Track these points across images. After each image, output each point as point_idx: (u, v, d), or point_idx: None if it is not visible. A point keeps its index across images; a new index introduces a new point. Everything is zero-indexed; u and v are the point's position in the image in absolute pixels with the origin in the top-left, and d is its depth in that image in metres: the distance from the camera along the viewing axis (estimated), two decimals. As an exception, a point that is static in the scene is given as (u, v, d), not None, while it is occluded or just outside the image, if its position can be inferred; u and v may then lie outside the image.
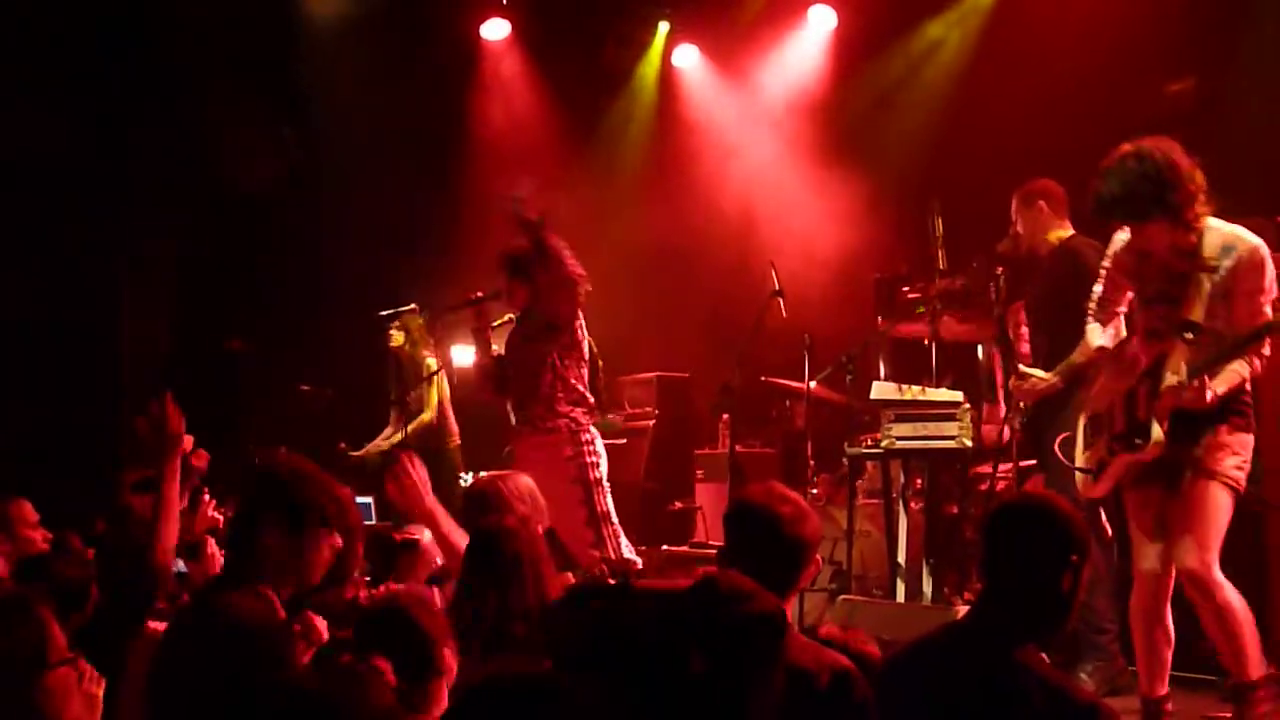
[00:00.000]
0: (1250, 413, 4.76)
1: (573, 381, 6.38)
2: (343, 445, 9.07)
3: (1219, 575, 4.60)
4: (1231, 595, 4.60)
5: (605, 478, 6.33)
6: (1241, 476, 4.70)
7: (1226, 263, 4.66)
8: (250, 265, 10.35)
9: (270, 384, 9.28)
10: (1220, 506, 4.65)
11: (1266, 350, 4.68)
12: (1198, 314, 4.65)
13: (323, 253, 10.38)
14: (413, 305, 9.02)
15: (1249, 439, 4.74)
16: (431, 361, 8.91)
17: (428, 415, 8.92)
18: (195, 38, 9.71)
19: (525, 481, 4.66)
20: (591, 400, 6.44)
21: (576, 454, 6.27)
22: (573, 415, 6.33)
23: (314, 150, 10.48)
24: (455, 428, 9.03)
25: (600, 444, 6.39)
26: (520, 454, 6.47)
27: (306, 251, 10.38)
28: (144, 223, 10.21)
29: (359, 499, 8.09)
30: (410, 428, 8.91)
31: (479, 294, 6.49)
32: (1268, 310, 4.63)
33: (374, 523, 8.01)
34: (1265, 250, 4.70)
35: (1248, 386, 4.75)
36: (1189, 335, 4.64)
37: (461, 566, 3.79)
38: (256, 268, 10.37)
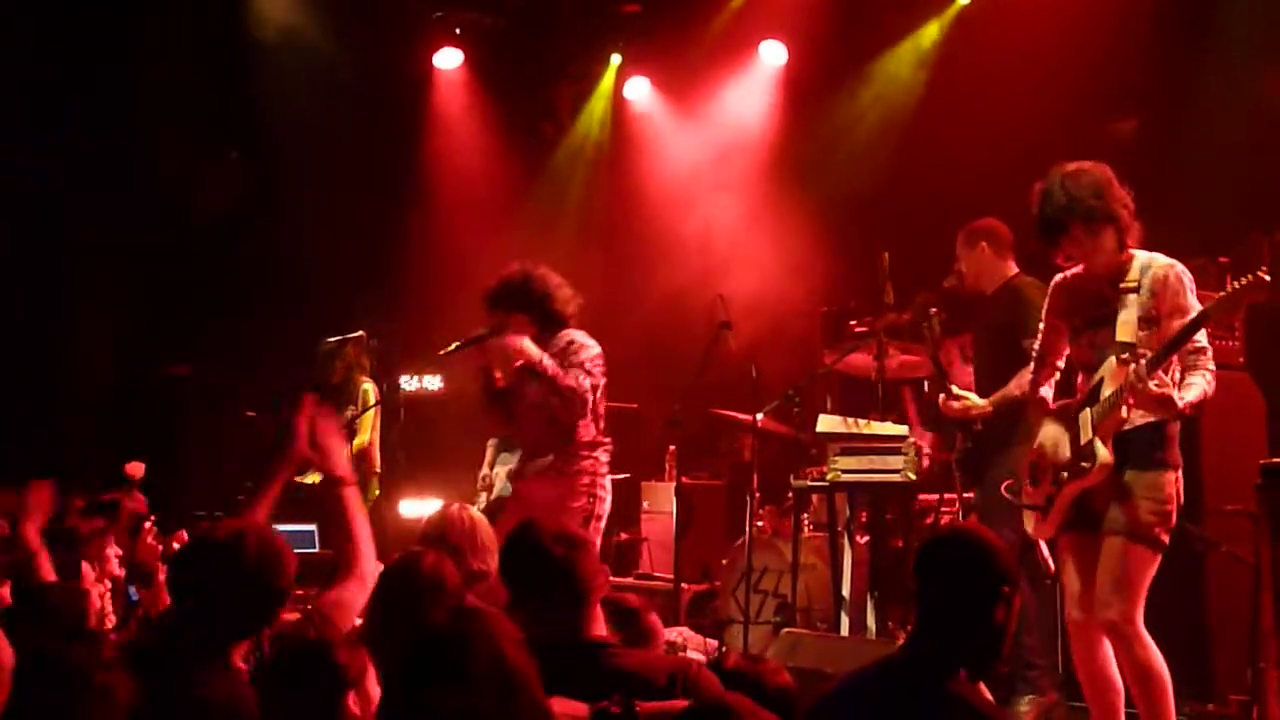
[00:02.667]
0: (1174, 448, 4.70)
1: (595, 422, 6.15)
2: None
3: (1141, 629, 4.56)
4: (1152, 653, 4.54)
5: (605, 516, 6.14)
6: (1162, 522, 4.62)
7: (1146, 283, 4.68)
8: (198, 291, 10.26)
9: (216, 411, 9.20)
10: (1140, 558, 4.59)
11: (1212, 365, 4.65)
12: (1128, 336, 4.66)
13: (272, 279, 10.31)
14: (360, 332, 8.97)
15: (1172, 477, 4.68)
16: (369, 388, 8.85)
17: (359, 442, 8.85)
18: (145, 61, 9.66)
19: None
20: (608, 442, 6.25)
21: (591, 497, 6.05)
22: (594, 457, 6.12)
23: (265, 177, 10.42)
24: (378, 455, 8.97)
25: (609, 482, 6.19)
26: (525, 494, 6.24)
27: (255, 278, 10.31)
28: (90, 247, 10.12)
29: (302, 526, 8.09)
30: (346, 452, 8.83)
31: (482, 331, 6.23)
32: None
33: (316, 550, 7.95)
34: (1181, 269, 4.72)
35: (1174, 424, 4.72)
36: (1124, 356, 4.63)
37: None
38: (204, 294, 10.28)
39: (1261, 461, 5.02)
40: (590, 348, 6.09)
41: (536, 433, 6.16)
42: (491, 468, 8.32)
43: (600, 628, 3.32)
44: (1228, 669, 5.67)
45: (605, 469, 6.14)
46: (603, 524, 6.13)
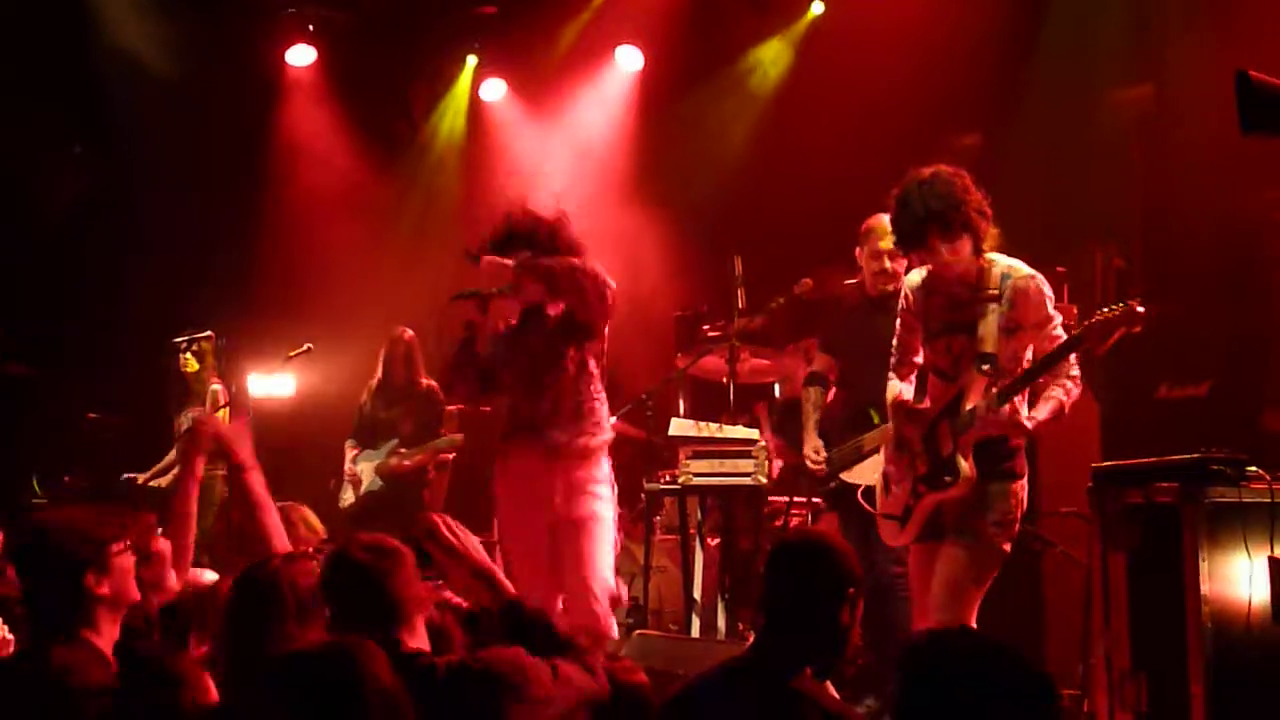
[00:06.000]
0: (1021, 457, 4.76)
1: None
2: (131, 475, 8.80)
3: None
4: None
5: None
6: (1005, 531, 4.68)
7: (1006, 293, 4.67)
8: (38, 288, 9.96)
9: (56, 411, 8.95)
10: (980, 567, 4.64)
11: (1075, 371, 4.69)
12: (990, 346, 4.65)
13: (115, 276, 10.05)
14: (209, 332, 8.81)
15: (1018, 486, 4.73)
16: (217, 389, 8.70)
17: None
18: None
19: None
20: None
21: (614, 487, 5.26)
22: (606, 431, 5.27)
23: (110, 171, 10.16)
24: None
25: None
26: (519, 469, 5.27)
27: (98, 274, 10.04)
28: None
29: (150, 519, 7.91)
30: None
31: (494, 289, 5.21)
32: (1060, 333, 4.66)
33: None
34: (1041, 280, 4.73)
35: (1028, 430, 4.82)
36: (985, 367, 4.62)
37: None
38: (44, 291, 9.99)
39: (1093, 465, 5.19)
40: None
41: (532, 404, 5.24)
42: (355, 464, 8.26)
43: (419, 640, 3.27)
44: (1061, 665, 5.85)
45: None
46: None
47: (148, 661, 3.27)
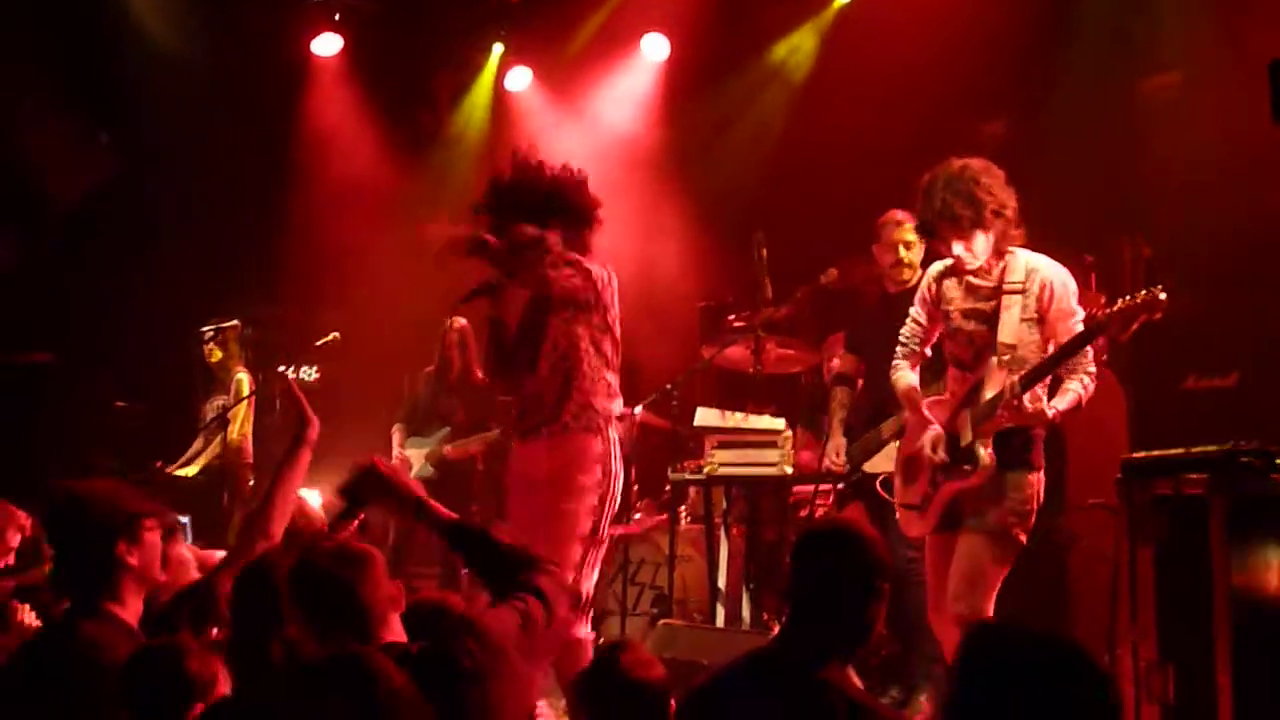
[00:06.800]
0: (1039, 449, 4.80)
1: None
2: (159, 463, 8.84)
3: None
4: None
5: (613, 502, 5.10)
6: (1021, 522, 4.72)
7: (1033, 289, 4.75)
8: (64, 276, 10.01)
9: (80, 400, 8.99)
10: (997, 557, 4.69)
11: (1093, 368, 4.76)
12: (1009, 336, 4.72)
13: (141, 264, 10.09)
14: (235, 321, 8.84)
15: (1035, 478, 4.77)
16: (243, 378, 8.73)
17: (236, 432, 8.72)
18: (8, 38, 9.37)
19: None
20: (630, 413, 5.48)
21: (605, 473, 5.06)
22: (608, 424, 5.10)
23: (135, 159, 10.20)
24: (251, 448, 8.85)
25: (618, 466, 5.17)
26: (513, 454, 5.27)
27: (124, 262, 10.08)
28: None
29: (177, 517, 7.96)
30: (219, 444, 8.72)
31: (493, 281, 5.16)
32: (1080, 328, 4.70)
33: (190, 543, 7.81)
34: (1066, 274, 4.81)
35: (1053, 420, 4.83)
36: (1005, 358, 4.69)
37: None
38: (69, 278, 10.03)
39: (1122, 457, 5.17)
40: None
41: (520, 378, 5.16)
42: (403, 448, 8.27)
43: (394, 635, 3.23)
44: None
45: (618, 446, 5.14)
46: (607, 511, 5.05)
47: (160, 649, 3.27)
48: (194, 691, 3.03)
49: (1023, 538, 4.74)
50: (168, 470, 8.84)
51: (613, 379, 5.16)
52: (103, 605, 3.58)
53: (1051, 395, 4.78)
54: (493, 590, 3.44)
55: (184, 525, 7.94)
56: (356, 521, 4.09)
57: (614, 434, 5.11)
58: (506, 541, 3.55)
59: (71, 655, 3.44)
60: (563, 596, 3.38)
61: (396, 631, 3.26)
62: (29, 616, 4.19)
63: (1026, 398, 4.62)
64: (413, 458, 8.25)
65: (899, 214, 6.05)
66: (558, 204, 5.14)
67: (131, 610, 3.63)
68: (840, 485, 6.53)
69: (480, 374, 8.03)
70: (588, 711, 3.43)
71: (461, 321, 8.19)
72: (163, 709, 3.02)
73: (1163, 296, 4.50)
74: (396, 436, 8.34)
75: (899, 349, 5.15)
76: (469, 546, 3.54)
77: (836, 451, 6.29)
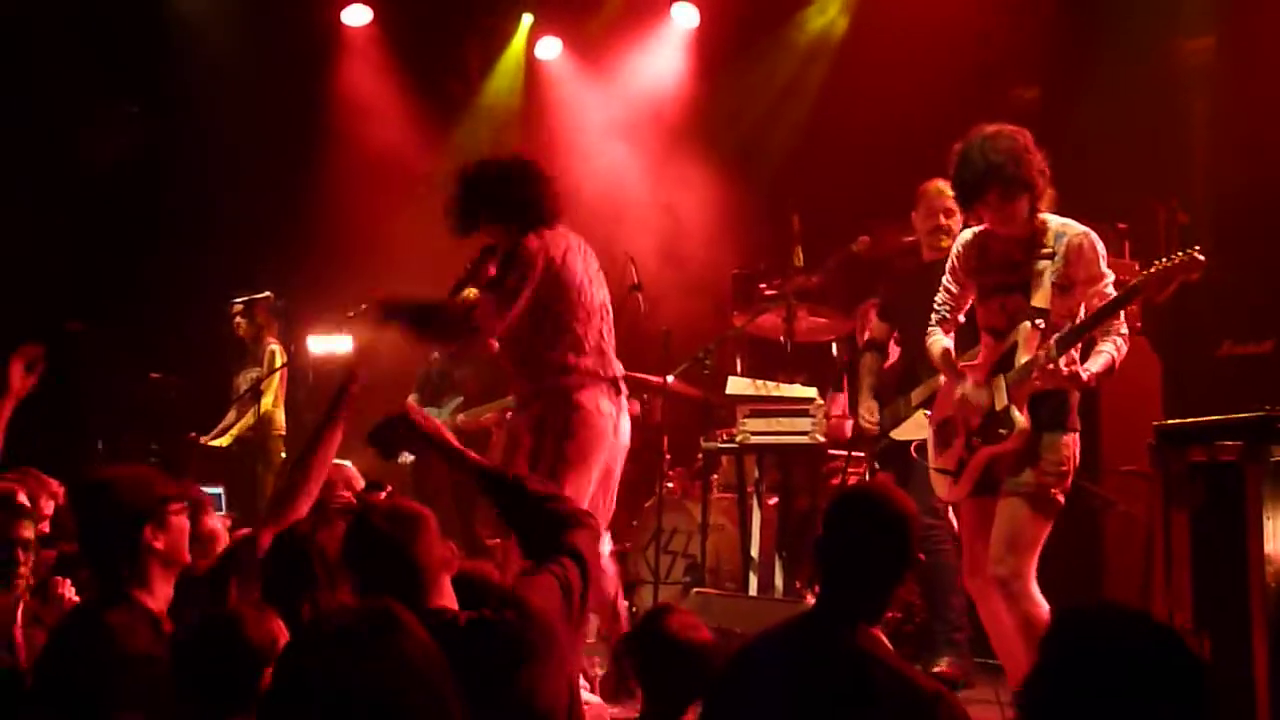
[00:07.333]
0: (1074, 413, 4.79)
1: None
2: (193, 434, 8.91)
3: (1031, 587, 4.64)
4: (1041, 609, 4.60)
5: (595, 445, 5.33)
6: (1058, 483, 4.71)
7: (1064, 252, 4.72)
8: (96, 247, 10.07)
9: (114, 371, 9.06)
10: (1036, 518, 4.69)
11: (1125, 329, 4.75)
12: (1041, 301, 4.71)
13: (172, 235, 10.14)
14: (267, 293, 8.89)
15: (1070, 439, 4.76)
16: (275, 349, 8.78)
17: (268, 404, 8.78)
18: (35, 8, 9.41)
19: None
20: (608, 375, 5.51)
21: (572, 408, 5.33)
22: (571, 375, 5.37)
23: (168, 131, 10.24)
24: (282, 418, 8.91)
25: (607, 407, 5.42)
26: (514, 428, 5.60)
27: (155, 234, 10.14)
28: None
29: (210, 489, 8.02)
30: (252, 415, 8.78)
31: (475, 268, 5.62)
32: (1111, 291, 4.70)
33: (224, 514, 7.88)
34: (1095, 237, 4.78)
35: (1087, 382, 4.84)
36: (1038, 322, 4.69)
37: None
38: (102, 250, 10.09)
39: (1156, 423, 5.15)
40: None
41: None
42: None
43: (445, 599, 3.28)
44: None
45: (594, 393, 5.38)
46: (591, 454, 5.31)
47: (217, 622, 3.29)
48: (260, 658, 3.03)
49: (1060, 499, 4.73)
50: (201, 441, 8.91)
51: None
52: (129, 592, 3.57)
53: (1084, 358, 4.77)
54: (530, 552, 3.46)
55: (216, 497, 8.04)
56: (384, 493, 4.17)
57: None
58: (540, 490, 3.58)
59: (95, 646, 3.43)
60: (598, 553, 3.40)
61: (448, 595, 3.29)
62: (69, 591, 4.21)
63: (1062, 360, 4.61)
64: None
65: (940, 182, 6.02)
66: (517, 196, 5.47)
67: (160, 596, 3.62)
68: (865, 453, 6.54)
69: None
70: (637, 672, 3.44)
71: (474, 293, 8.22)
72: (233, 681, 3.03)
73: (1201, 257, 4.50)
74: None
75: (933, 316, 5.15)
76: (504, 494, 3.58)
77: (869, 411, 6.27)
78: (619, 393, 5.48)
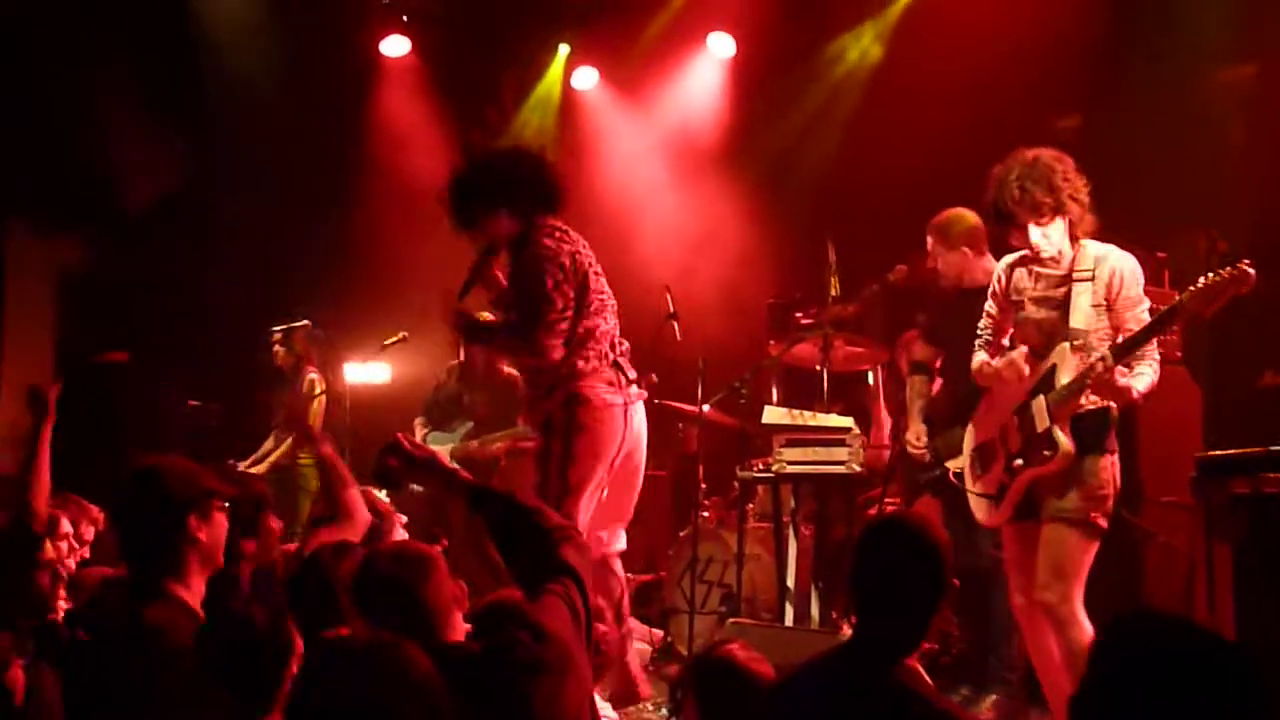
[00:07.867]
0: (1112, 434, 4.77)
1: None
2: (231, 461, 8.94)
3: (1078, 612, 4.62)
4: (1087, 636, 4.53)
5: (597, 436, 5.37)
6: (1100, 506, 4.69)
7: (1103, 276, 4.74)
8: (136, 278, 10.16)
9: (154, 399, 9.11)
10: (1080, 543, 4.67)
11: (1157, 354, 4.74)
12: (1080, 322, 4.73)
13: (212, 265, 10.22)
14: (304, 321, 8.93)
15: (1109, 461, 4.75)
16: (314, 377, 8.81)
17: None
18: (83, 45, 9.52)
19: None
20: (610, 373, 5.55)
21: (572, 401, 5.40)
22: (570, 371, 5.44)
23: (208, 163, 10.33)
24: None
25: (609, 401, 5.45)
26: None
27: (196, 264, 10.22)
28: (24, 231, 10.00)
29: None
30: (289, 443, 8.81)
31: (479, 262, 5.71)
32: (1146, 316, 4.70)
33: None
34: (1134, 262, 4.79)
35: (1116, 411, 4.81)
36: (1077, 343, 4.70)
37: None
38: (144, 279, 10.18)
39: (1196, 455, 5.10)
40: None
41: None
42: (426, 443, 8.29)
43: (458, 634, 3.28)
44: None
45: (599, 384, 5.43)
46: (603, 448, 5.37)
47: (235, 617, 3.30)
48: (279, 656, 3.06)
49: (1103, 523, 4.71)
50: (239, 468, 8.94)
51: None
52: (166, 585, 3.57)
53: None
54: (522, 576, 3.41)
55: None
56: (441, 545, 4.28)
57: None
58: (528, 504, 3.56)
59: (139, 643, 3.44)
60: (589, 565, 3.37)
61: (459, 631, 3.28)
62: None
63: (1118, 374, 4.58)
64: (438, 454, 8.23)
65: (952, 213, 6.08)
66: (506, 185, 5.54)
67: (195, 591, 3.62)
68: (910, 480, 6.49)
69: (508, 370, 7.99)
70: (697, 699, 3.40)
71: (486, 316, 8.23)
72: (256, 677, 3.05)
73: (1251, 271, 4.45)
74: (418, 431, 8.35)
75: (977, 340, 5.16)
76: (493, 510, 3.52)
77: (917, 436, 6.20)
78: (628, 382, 5.49)
